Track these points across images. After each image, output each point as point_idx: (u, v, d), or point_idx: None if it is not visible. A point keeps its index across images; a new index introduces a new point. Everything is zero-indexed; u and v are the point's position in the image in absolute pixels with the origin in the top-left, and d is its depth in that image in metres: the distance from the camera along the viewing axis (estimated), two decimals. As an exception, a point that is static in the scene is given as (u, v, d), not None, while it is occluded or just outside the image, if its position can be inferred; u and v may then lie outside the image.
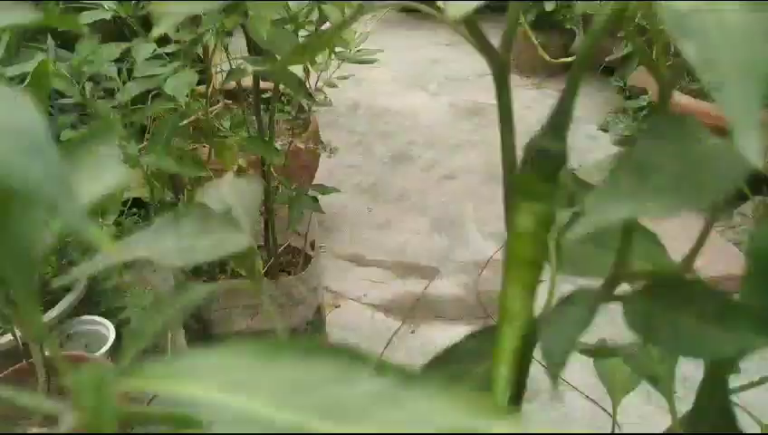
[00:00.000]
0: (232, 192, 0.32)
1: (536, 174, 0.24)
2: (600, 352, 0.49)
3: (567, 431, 1.40)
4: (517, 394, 0.31)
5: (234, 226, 0.25)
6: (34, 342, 1.06)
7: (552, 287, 0.34)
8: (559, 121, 0.24)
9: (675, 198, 0.17)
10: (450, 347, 0.27)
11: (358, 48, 1.55)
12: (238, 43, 1.81)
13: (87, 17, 0.98)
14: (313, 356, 0.14)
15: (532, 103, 2.91)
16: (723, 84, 0.14)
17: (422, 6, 0.31)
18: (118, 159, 0.18)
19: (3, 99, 0.14)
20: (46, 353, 1.34)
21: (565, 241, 0.36)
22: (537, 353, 0.34)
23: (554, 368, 0.20)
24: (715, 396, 0.23)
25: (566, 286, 0.32)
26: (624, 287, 0.30)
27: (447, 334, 1.77)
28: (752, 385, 0.47)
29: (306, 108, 1.84)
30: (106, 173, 0.17)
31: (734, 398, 0.45)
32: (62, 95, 1.04)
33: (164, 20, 0.22)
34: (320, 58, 1.36)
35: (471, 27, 0.31)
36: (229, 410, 0.13)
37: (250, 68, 0.82)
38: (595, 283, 0.33)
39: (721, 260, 1.78)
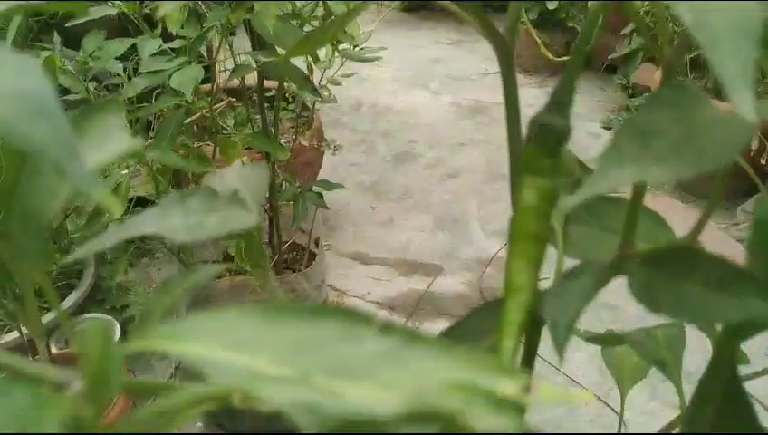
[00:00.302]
0: (238, 178, 0.32)
1: (539, 149, 0.24)
2: (607, 340, 0.49)
3: (570, 433, 1.40)
4: (527, 367, 0.31)
5: (240, 204, 0.25)
6: (39, 338, 1.07)
7: (560, 266, 0.35)
8: (561, 97, 0.24)
9: (677, 163, 0.17)
10: (455, 324, 0.27)
11: (360, 47, 1.56)
12: (242, 43, 1.81)
13: (93, 13, 0.98)
14: (318, 317, 0.14)
15: (535, 101, 2.90)
16: (716, 43, 0.14)
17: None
18: (123, 127, 0.18)
19: (10, 64, 0.14)
20: (52, 350, 1.35)
21: (570, 227, 0.37)
22: (541, 352, 0.34)
23: (559, 339, 0.21)
24: (720, 377, 0.23)
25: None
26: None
27: (452, 332, 1.77)
28: (757, 375, 0.47)
29: (310, 106, 1.84)
30: (112, 140, 0.17)
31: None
32: (69, 91, 1.05)
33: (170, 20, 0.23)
34: (323, 56, 1.37)
35: (477, 14, 0.31)
36: (232, 368, 0.13)
37: (254, 63, 0.83)
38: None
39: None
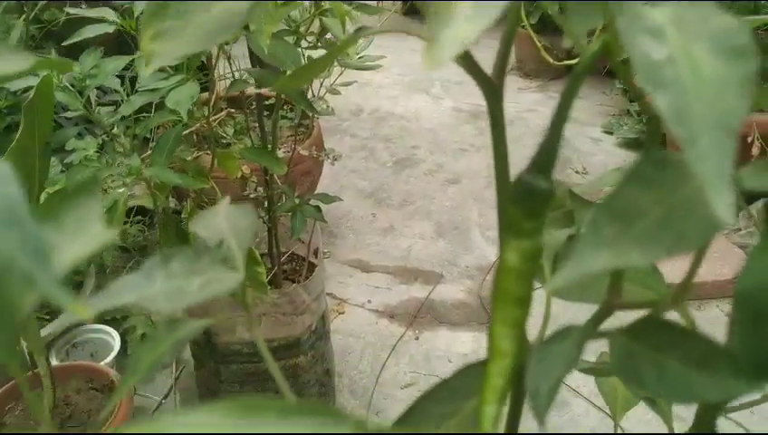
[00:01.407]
0: (225, 221, 0.32)
1: (522, 211, 0.24)
2: (599, 371, 0.49)
3: (568, 433, 1.40)
4: (513, 424, 0.31)
5: (225, 263, 0.25)
6: (39, 352, 1.07)
7: (546, 316, 0.34)
8: (546, 158, 0.24)
9: (657, 247, 0.17)
10: (441, 383, 0.27)
11: (360, 55, 1.55)
12: (241, 49, 1.81)
13: (90, 30, 0.98)
14: (291, 416, 0.14)
15: (536, 106, 2.90)
16: (695, 138, 0.14)
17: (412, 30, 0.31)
18: (99, 216, 0.18)
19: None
20: (52, 363, 1.35)
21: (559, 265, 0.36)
22: None
23: (540, 408, 0.20)
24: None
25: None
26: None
27: (451, 340, 1.77)
28: (742, 407, 0.47)
29: (309, 114, 1.84)
30: (87, 233, 0.17)
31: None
32: (67, 108, 1.05)
33: (155, 60, 0.22)
34: (322, 66, 1.36)
35: (462, 56, 0.31)
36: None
37: (252, 82, 0.83)
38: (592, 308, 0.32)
39: (726, 264, 1.77)
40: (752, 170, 0.19)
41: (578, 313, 0.35)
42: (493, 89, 0.32)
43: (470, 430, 0.25)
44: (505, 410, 0.25)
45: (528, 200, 0.23)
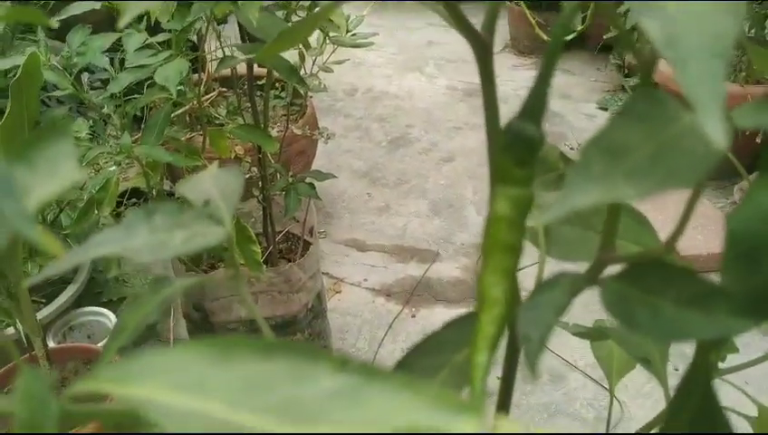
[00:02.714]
0: (213, 184, 0.31)
1: (512, 159, 0.23)
2: (594, 335, 0.49)
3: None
4: (508, 380, 0.31)
5: (209, 218, 0.25)
6: (35, 334, 1.07)
7: (540, 272, 0.34)
8: (534, 106, 0.23)
9: (648, 182, 0.16)
10: (430, 336, 0.27)
11: (352, 33, 1.54)
12: (233, 29, 1.79)
13: (77, 8, 0.97)
14: (271, 354, 0.14)
15: (531, 83, 2.88)
16: (686, 61, 0.14)
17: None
18: (72, 156, 0.17)
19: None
20: (49, 345, 1.35)
21: (552, 225, 0.36)
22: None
23: (532, 354, 0.20)
24: (697, 382, 0.22)
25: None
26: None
27: (448, 317, 1.77)
28: (749, 364, 0.47)
29: (302, 93, 1.83)
30: (60, 172, 0.17)
31: (734, 376, 0.45)
32: (56, 87, 1.04)
33: (128, 12, 0.22)
34: (314, 43, 1.35)
35: (451, 9, 0.30)
36: (184, 414, 0.13)
37: (241, 56, 0.82)
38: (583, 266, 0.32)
39: (720, 236, 1.78)
40: (744, 110, 0.19)
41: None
42: (482, 45, 0.32)
43: (460, 380, 0.25)
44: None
45: (518, 147, 0.23)
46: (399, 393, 0.13)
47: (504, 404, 0.28)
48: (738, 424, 0.41)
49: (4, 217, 0.12)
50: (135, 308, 0.26)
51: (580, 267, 0.31)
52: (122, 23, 0.21)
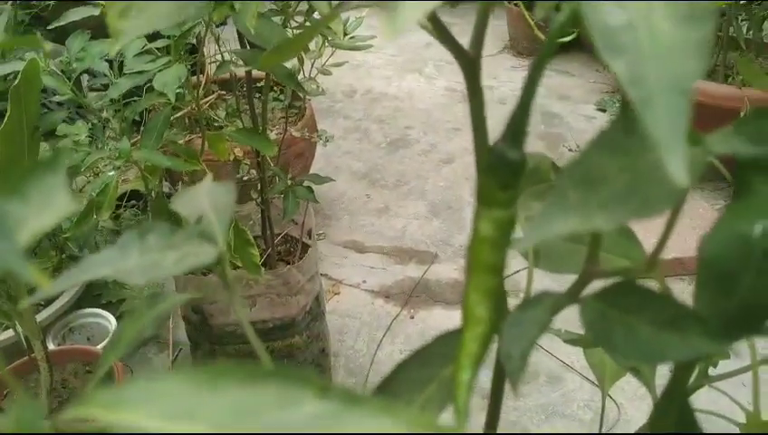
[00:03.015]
0: (206, 199, 0.32)
1: (495, 182, 0.24)
2: (586, 343, 0.49)
3: (563, 433, 1.41)
4: (497, 395, 0.31)
5: (202, 237, 0.25)
6: (35, 336, 1.07)
7: (529, 284, 0.35)
8: (517, 128, 0.24)
9: (623, 211, 0.17)
10: (419, 350, 0.28)
11: (351, 35, 1.54)
12: (232, 31, 1.79)
13: (76, 14, 0.97)
14: (258, 380, 0.15)
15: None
16: (650, 100, 0.14)
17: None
18: (64, 189, 0.18)
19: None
20: (50, 347, 1.35)
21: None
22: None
23: (514, 369, 0.21)
24: (674, 399, 0.23)
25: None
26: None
27: (446, 319, 1.78)
28: (740, 371, 0.48)
29: (301, 96, 1.83)
30: (53, 205, 0.17)
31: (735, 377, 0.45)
32: (55, 93, 1.04)
33: (122, 37, 0.22)
34: (313, 45, 1.36)
35: (436, 25, 0.31)
36: (170, 438, 0.14)
37: (240, 64, 0.82)
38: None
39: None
40: (718, 137, 0.19)
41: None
42: (469, 61, 0.32)
43: (447, 395, 0.26)
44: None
45: (500, 171, 0.24)
46: (377, 417, 0.14)
47: (492, 421, 0.29)
48: (729, 430, 0.41)
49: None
50: (132, 321, 0.27)
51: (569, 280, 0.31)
52: (114, 50, 0.22)
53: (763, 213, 0.18)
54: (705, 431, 0.23)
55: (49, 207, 0.17)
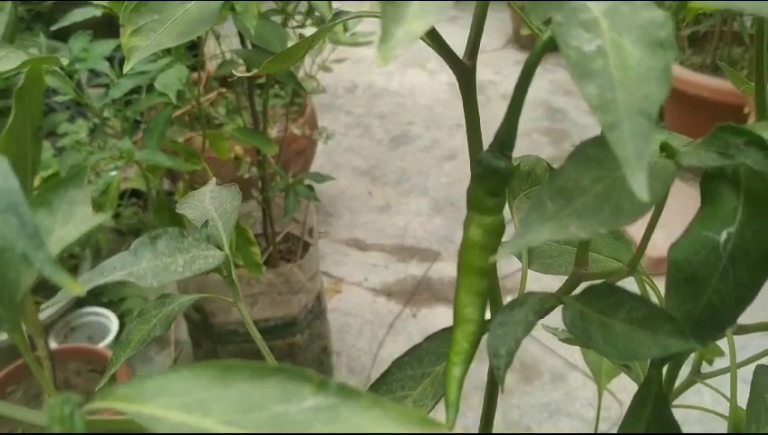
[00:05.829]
0: (211, 202, 0.33)
1: (485, 189, 0.25)
2: (578, 341, 0.51)
3: (565, 433, 1.42)
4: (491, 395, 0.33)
5: (209, 242, 0.27)
6: (38, 335, 1.09)
7: (523, 283, 0.36)
8: (505, 138, 0.26)
9: (596, 221, 0.18)
10: (412, 348, 0.29)
11: (352, 31, 1.55)
12: (232, 27, 1.80)
13: (78, 14, 0.99)
14: (264, 376, 0.16)
15: (533, 79, 2.89)
16: (618, 122, 0.16)
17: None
18: (86, 202, 0.20)
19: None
20: (52, 346, 1.37)
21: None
22: (537, 333, 0.35)
23: (499, 367, 0.22)
24: (648, 400, 0.24)
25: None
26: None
27: (449, 317, 1.79)
28: (719, 372, 0.49)
29: (301, 93, 1.84)
30: (76, 217, 0.19)
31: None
32: (57, 93, 1.06)
33: (135, 54, 0.24)
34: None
35: (430, 34, 0.32)
36: (184, 428, 0.15)
37: (240, 63, 0.83)
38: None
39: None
40: (689, 150, 0.21)
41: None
42: (464, 71, 0.34)
43: (440, 390, 0.27)
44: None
45: (489, 179, 0.25)
46: (370, 410, 0.16)
47: (488, 417, 0.30)
48: (717, 425, 0.43)
49: (33, 263, 0.15)
50: (140, 322, 0.28)
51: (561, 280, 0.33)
52: (127, 68, 0.23)
53: (729, 221, 0.20)
54: (682, 432, 0.25)
55: (73, 218, 0.19)
